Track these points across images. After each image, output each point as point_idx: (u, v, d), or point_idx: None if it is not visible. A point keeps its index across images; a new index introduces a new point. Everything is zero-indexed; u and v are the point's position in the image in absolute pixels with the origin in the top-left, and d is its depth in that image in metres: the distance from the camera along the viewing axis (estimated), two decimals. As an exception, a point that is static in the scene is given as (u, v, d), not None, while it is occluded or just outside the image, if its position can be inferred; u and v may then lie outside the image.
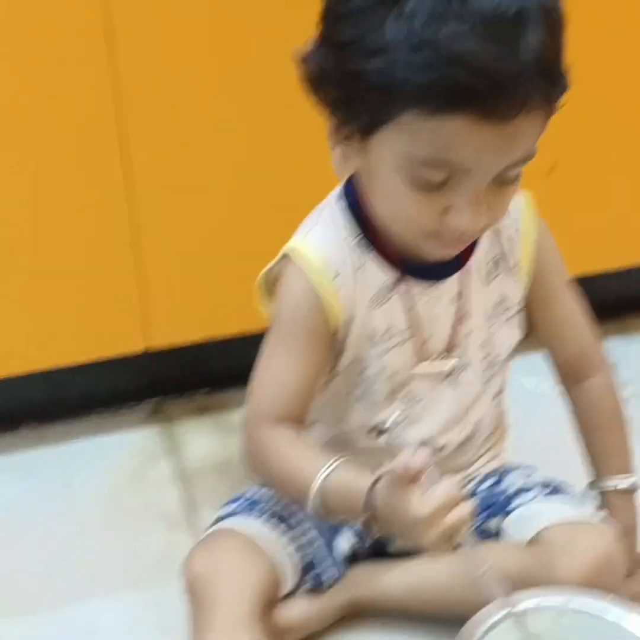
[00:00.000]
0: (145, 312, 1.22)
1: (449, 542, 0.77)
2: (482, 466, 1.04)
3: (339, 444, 0.98)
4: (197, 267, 1.23)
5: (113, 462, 1.27)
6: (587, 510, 0.99)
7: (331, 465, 0.84)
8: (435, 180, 0.78)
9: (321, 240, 0.90)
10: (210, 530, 0.96)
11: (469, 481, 1.03)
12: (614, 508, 1.01)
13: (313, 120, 0.85)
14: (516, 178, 0.82)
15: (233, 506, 0.99)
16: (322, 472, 0.84)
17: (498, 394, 1.02)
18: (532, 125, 0.78)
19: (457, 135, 0.75)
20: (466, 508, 0.77)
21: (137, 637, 1.02)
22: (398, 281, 0.91)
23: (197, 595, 0.89)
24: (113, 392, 1.36)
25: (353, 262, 0.90)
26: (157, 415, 1.36)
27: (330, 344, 0.92)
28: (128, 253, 1.19)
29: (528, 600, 0.82)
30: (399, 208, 0.83)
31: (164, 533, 1.15)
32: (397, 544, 1.00)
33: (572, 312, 1.00)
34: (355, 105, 0.80)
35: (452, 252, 0.88)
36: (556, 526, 0.94)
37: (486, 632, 0.80)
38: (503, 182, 0.81)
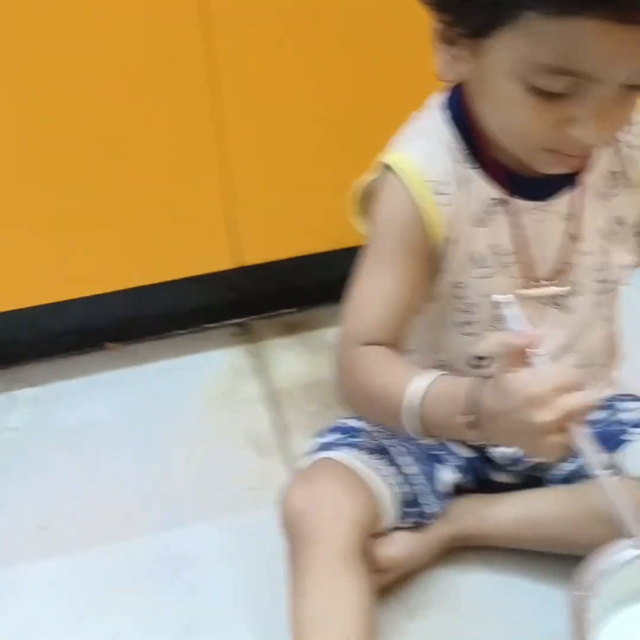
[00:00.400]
0: (233, 229, 1.17)
1: (564, 439, 0.70)
2: (599, 392, 0.97)
3: (442, 362, 0.92)
4: (286, 181, 1.17)
5: (201, 382, 1.24)
6: None
7: (427, 375, 0.79)
8: (558, 89, 0.70)
9: (423, 151, 0.83)
10: (309, 460, 0.92)
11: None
12: None
13: (414, 15, 0.77)
14: None
15: (332, 437, 0.94)
16: (419, 380, 0.78)
17: (612, 319, 0.95)
18: None
19: (586, 40, 0.67)
20: (584, 394, 0.71)
21: (231, 564, 1.00)
22: (505, 198, 0.84)
23: (296, 531, 0.85)
24: (199, 310, 1.32)
25: (457, 177, 0.83)
26: (244, 335, 1.32)
27: (430, 261, 0.85)
28: (214, 167, 1.13)
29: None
30: (514, 119, 0.75)
31: (255, 458, 1.12)
32: (504, 452, 0.94)
33: None
34: (468, 3, 0.72)
35: (569, 167, 0.80)
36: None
37: (618, 570, 0.74)
38: (631, 89, 0.72)
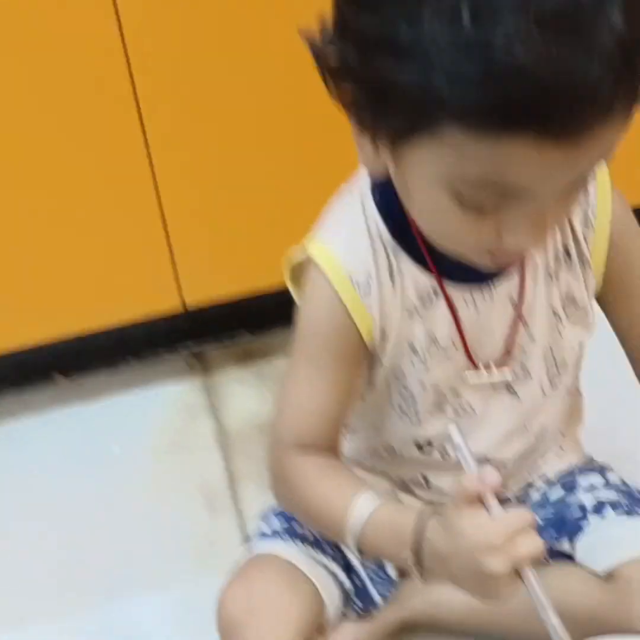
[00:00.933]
0: (177, 274, 1.14)
1: (513, 583, 0.67)
2: (554, 463, 0.94)
3: (379, 455, 0.89)
4: (225, 223, 1.14)
5: (152, 421, 1.21)
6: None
7: (369, 500, 0.75)
8: (490, 202, 0.64)
9: (348, 245, 0.77)
10: (249, 552, 0.88)
11: (532, 487, 0.93)
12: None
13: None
14: (589, 179, 0.66)
15: (274, 523, 0.91)
16: (360, 507, 0.75)
17: (575, 391, 0.91)
18: (611, 132, 0.61)
19: (515, 159, 0.59)
20: (537, 540, 0.68)
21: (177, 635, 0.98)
22: (441, 285, 0.78)
23: (233, 638, 0.82)
24: (152, 336, 1.28)
25: (387, 267, 0.77)
26: (199, 364, 1.28)
27: (361, 361, 0.81)
28: (156, 212, 1.09)
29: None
30: (444, 227, 0.69)
31: (206, 515, 1.10)
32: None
33: None
34: (384, 110, 0.63)
35: (510, 264, 0.75)
36: (637, 561, 0.84)
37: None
38: (574, 189, 0.66)
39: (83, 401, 1.24)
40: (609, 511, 0.89)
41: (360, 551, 0.77)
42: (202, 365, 1.28)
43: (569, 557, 0.90)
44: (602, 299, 0.85)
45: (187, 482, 1.13)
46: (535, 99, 0.57)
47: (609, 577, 0.85)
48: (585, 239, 0.80)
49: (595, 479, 0.93)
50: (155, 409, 1.22)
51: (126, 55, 1.03)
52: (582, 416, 0.97)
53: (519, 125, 0.58)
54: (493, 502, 0.67)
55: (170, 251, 1.13)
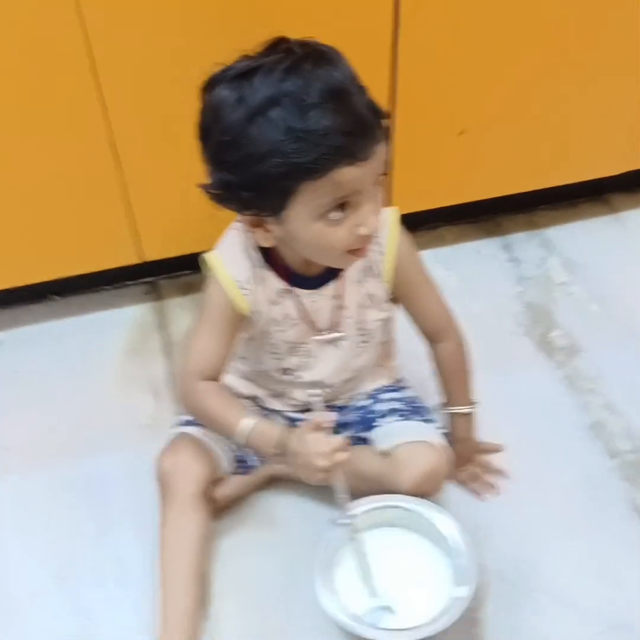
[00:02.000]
0: (135, 234, 1.61)
1: (329, 477, 1.21)
2: (369, 384, 1.46)
3: (260, 375, 1.40)
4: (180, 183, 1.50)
5: (119, 333, 1.72)
6: (432, 428, 1.40)
7: (252, 418, 1.26)
8: (343, 212, 1.12)
9: (233, 259, 1.26)
10: (173, 433, 1.41)
11: (353, 399, 1.46)
12: (456, 424, 1.45)
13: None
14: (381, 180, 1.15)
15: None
16: (246, 421, 1.25)
17: (380, 343, 1.42)
18: (382, 149, 1.10)
19: (345, 179, 1.08)
20: (347, 455, 1.22)
21: (134, 484, 1.49)
22: (290, 289, 1.28)
23: (162, 484, 1.36)
24: (120, 270, 1.74)
25: (256, 277, 1.26)
26: (154, 293, 1.77)
27: (241, 325, 1.30)
28: (114, 180, 1.53)
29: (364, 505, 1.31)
30: (325, 245, 1.16)
31: (152, 401, 1.61)
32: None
33: (430, 300, 1.37)
34: (264, 196, 1.12)
35: (360, 257, 1.21)
36: (405, 444, 1.36)
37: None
38: (377, 183, 1.13)
39: (71, 316, 1.74)
40: (393, 416, 1.41)
41: (245, 446, 1.28)
42: (155, 294, 1.77)
43: (366, 442, 1.43)
44: (397, 297, 1.36)
45: (141, 377, 1.64)
46: (342, 145, 1.06)
47: (387, 454, 1.37)
48: (379, 262, 1.30)
49: (394, 394, 1.45)
50: (121, 323, 1.72)
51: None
52: (393, 355, 1.50)
53: (339, 161, 1.07)
54: (328, 431, 1.21)
55: (134, 219, 1.58)
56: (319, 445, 1.20)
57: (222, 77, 1.09)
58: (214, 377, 1.31)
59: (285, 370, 1.38)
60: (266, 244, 1.20)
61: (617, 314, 1.73)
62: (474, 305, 1.73)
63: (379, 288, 1.33)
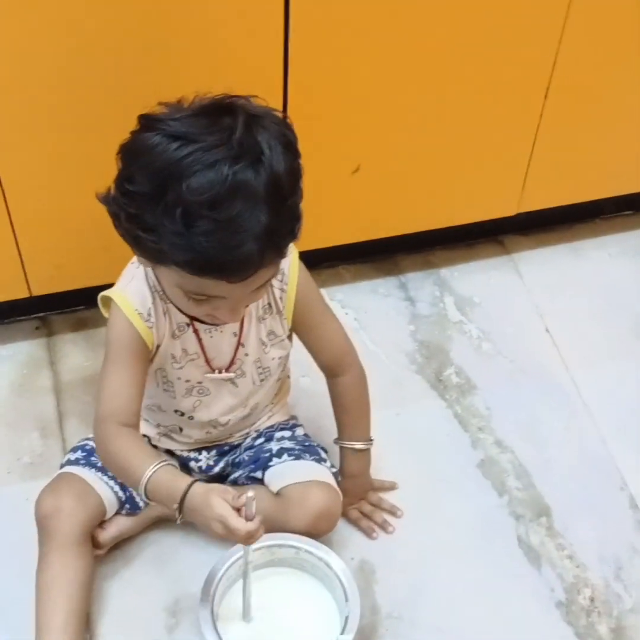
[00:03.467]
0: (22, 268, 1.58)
1: (225, 536, 1.13)
2: (265, 422, 1.46)
3: (154, 410, 1.39)
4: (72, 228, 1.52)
5: (9, 369, 1.67)
6: (324, 467, 1.40)
7: (156, 466, 1.17)
8: (202, 300, 1.12)
9: (137, 292, 1.25)
10: (57, 473, 1.38)
11: (248, 436, 1.45)
12: (349, 460, 1.45)
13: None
14: (267, 284, 1.15)
15: (78, 454, 1.40)
16: (148, 471, 1.16)
17: (277, 381, 1.42)
18: (268, 271, 1.10)
19: (210, 286, 1.09)
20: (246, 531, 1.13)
21: (14, 524, 1.44)
22: (190, 322, 1.27)
23: (41, 527, 1.32)
24: (11, 305, 1.71)
25: (158, 309, 1.26)
26: (44, 328, 1.73)
27: (148, 358, 1.28)
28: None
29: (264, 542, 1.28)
30: (180, 303, 1.19)
31: (39, 438, 1.57)
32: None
33: (330, 333, 1.38)
34: (142, 253, 1.12)
35: (228, 322, 1.22)
36: (296, 484, 1.36)
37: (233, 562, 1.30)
38: (257, 291, 1.14)
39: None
40: (285, 456, 1.40)
41: (147, 497, 1.18)
42: (46, 329, 1.73)
43: (261, 482, 1.41)
44: (296, 331, 1.36)
45: (28, 415, 1.60)
46: (213, 266, 1.05)
47: (278, 494, 1.37)
48: (280, 299, 1.30)
49: (286, 433, 1.45)
50: (10, 359, 1.68)
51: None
52: (288, 391, 1.49)
53: (208, 274, 1.07)
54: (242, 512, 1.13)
55: (20, 255, 1.55)
56: (221, 513, 1.12)
57: (160, 127, 1.06)
58: (129, 421, 1.25)
59: (179, 411, 1.37)
60: (144, 265, 1.20)
61: (508, 352, 1.75)
62: (370, 343, 1.74)
63: (280, 325, 1.33)
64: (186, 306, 1.17)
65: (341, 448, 1.45)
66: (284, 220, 1.08)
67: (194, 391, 1.34)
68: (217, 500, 1.13)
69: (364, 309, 1.81)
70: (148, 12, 1.34)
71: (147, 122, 1.08)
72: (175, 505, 1.15)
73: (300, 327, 1.35)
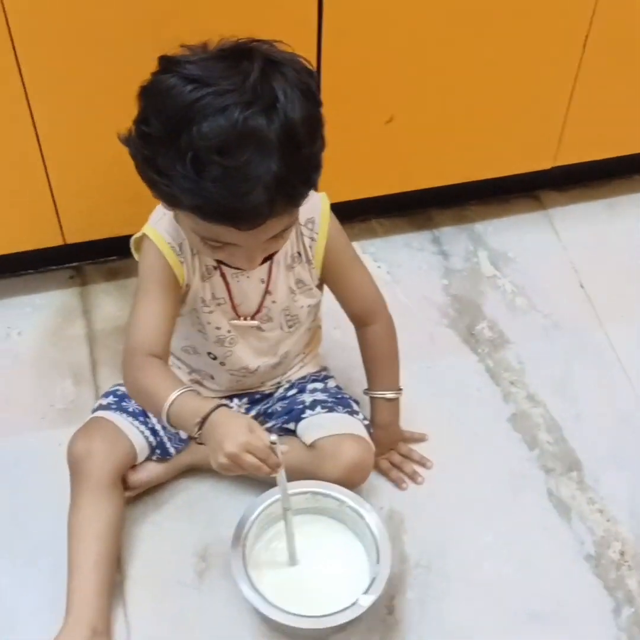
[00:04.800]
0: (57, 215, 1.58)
1: (233, 469, 1.12)
2: (296, 372, 1.46)
3: (188, 352, 1.39)
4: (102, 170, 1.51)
5: (43, 318, 1.68)
6: (356, 420, 1.40)
7: (182, 389, 1.15)
8: (217, 245, 1.11)
9: (168, 227, 1.24)
10: (89, 417, 1.39)
11: (280, 386, 1.46)
12: (379, 409, 1.45)
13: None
14: (285, 234, 1.13)
15: (109, 399, 1.41)
16: (174, 393, 1.15)
17: (308, 330, 1.42)
18: (280, 220, 1.08)
19: (222, 233, 1.08)
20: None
21: (49, 468, 1.46)
22: (218, 265, 1.27)
23: (74, 468, 1.34)
24: (43, 253, 1.71)
25: (188, 247, 1.24)
26: (78, 277, 1.74)
27: (179, 296, 1.28)
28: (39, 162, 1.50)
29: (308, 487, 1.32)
30: (198, 248, 1.18)
31: (71, 386, 1.59)
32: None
33: (360, 282, 1.37)
34: (154, 191, 1.10)
35: (248, 269, 1.20)
36: (330, 436, 1.36)
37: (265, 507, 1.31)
38: (275, 239, 1.13)
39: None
40: (318, 408, 1.40)
41: (170, 424, 1.16)
42: (80, 279, 1.74)
43: (293, 433, 1.42)
44: (326, 281, 1.35)
45: (62, 363, 1.61)
46: (222, 213, 1.04)
47: (312, 446, 1.37)
48: (310, 247, 1.30)
49: (318, 385, 1.45)
50: (44, 308, 1.69)
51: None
52: (319, 341, 1.49)
53: (217, 221, 1.06)
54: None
55: (54, 202, 1.55)
56: (238, 430, 1.10)
57: (177, 69, 1.04)
58: (159, 353, 1.24)
59: (212, 354, 1.37)
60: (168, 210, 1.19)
61: (542, 307, 1.73)
62: (402, 296, 1.73)
63: (309, 273, 1.32)
64: (204, 251, 1.17)
65: (371, 398, 1.45)
66: (297, 169, 1.05)
67: (226, 342, 1.34)
68: (244, 418, 1.13)
69: (397, 263, 1.80)
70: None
71: (165, 63, 1.06)
72: (198, 419, 1.12)
73: (329, 276, 1.34)
